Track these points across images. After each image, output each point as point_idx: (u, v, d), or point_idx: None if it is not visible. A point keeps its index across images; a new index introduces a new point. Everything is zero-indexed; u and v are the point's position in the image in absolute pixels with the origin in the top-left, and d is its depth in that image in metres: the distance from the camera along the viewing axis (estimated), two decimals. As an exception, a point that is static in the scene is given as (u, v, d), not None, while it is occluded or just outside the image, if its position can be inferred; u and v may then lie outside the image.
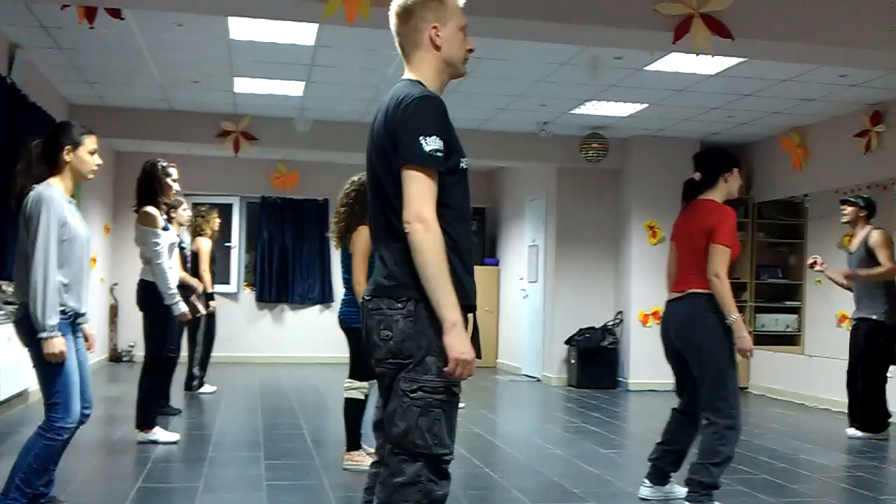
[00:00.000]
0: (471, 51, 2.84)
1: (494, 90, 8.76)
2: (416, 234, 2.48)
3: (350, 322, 5.57)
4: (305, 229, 13.50)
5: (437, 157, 2.53)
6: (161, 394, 7.28)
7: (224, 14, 6.37)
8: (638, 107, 9.46)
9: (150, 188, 6.40)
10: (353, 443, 5.76)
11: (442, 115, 2.59)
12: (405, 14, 2.76)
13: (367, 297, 2.69)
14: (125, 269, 12.48)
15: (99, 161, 4.28)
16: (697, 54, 5.76)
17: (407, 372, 2.56)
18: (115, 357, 12.55)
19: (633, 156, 11.08)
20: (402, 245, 2.56)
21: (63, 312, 4.04)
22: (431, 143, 2.52)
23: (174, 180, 6.50)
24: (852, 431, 7.48)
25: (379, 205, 2.69)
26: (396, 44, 2.81)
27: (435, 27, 2.73)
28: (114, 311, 12.50)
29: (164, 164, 6.47)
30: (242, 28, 6.99)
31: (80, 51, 7.77)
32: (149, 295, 6.46)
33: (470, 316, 2.68)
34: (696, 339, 4.66)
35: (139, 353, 12.40)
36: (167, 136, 10.57)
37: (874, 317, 7.41)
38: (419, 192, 2.50)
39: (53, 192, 4.04)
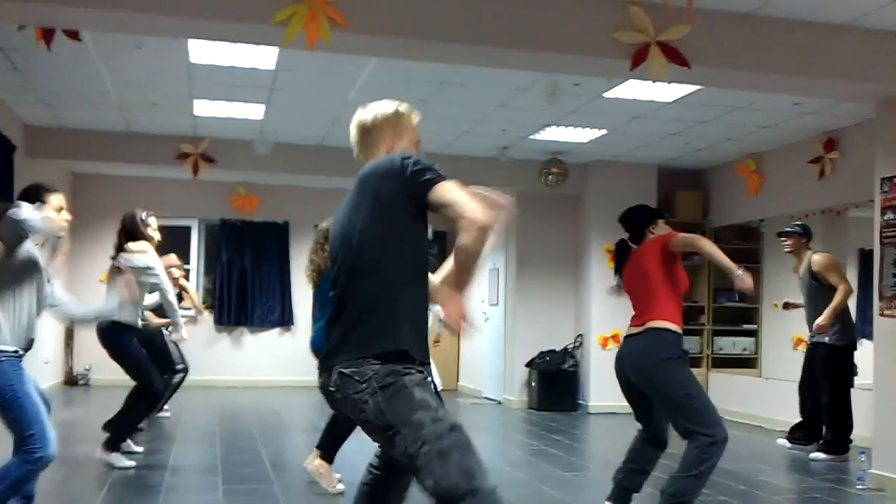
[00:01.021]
0: None
1: (455, 114, 8.80)
2: (482, 236, 2.66)
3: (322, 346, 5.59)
4: (265, 252, 13.42)
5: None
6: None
7: (184, 37, 6.36)
8: (597, 133, 9.55)
9: (131, 238, 6.54)
10: (329, 454, 5.69)
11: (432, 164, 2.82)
12: (364, 129, 3.05)
13: (335, 368, 2.79)
14: (81, 293, 12.33)
15: (67, 217, 4.40)
16: (654, 81, 5.85)
17: (403, 438, 2.64)
18: (71, 380, 12.37)
19: (592, 181, 11.17)
20: (368, 313, 2.75)
21: (14, 351, 4.09)
22: (435, 167, 2.78)
23: (154, 230, 6.70)
24: (815, 454, 7.58)
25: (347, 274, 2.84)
26: (355, 152, 3.06)
27: (393, 138, 3.02)
28: (69, 335, 12.33)
29: (144, 214, 6.65)
30: (202, 51, 6.97)
31: (37, 72, 7.70)
32: (110, 334, 6.48)
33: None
34: (652, 374, 4.71)
35: (95, 376, 12.34)
36: (126, 158, 10.48)
37: (826, 340, 7.55)
38: (465, 196, 2.69)
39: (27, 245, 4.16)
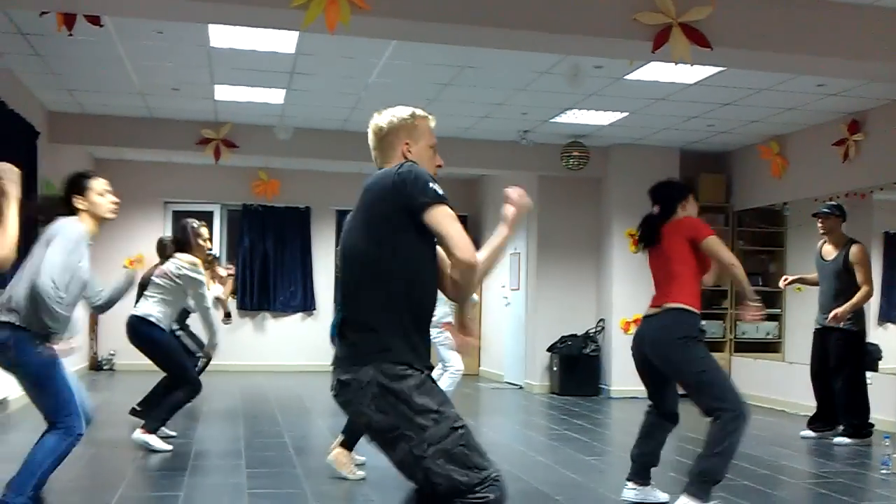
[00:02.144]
0: (439, 166, 3.10)
1: (476, 98, 8.77)
2: (471, 275, 2.80)
3: None
4: (287, 237, 13.47)
5: (447, 198, 2.80)
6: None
7: (204, 22, 6.36)
8: (618, 115, 9.50)
9: (181, 249, 6.71)
10: (350, 442, 5.72)
11: (432, 179, 2.83)
12: (381, 133, 3.07)
13: (338, 371, 2.87)
14: (105, 278, 12.40)
15: (115, 199, 4.54)
16: (676, 63, 5.80)
17: (408, 441, 2.70)
18: (96, 366, 12.48)
19: (613, 164, 11.12)
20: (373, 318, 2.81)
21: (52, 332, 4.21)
22: (438, 188, 2.79)
23: (205, 240, 6.87)
24: (838, 439, 7.53)
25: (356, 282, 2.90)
26: (373, 156, 3.11)
27: (407, 143, 3.02)
28: (94, 320, 12.42)
29: (196, 224, 6.83)
30: (223, 36, 6.97)
31: (59, 58, 7.74)
32: (143, 331, 6.58)
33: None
34: (668, 354, 4.83)
35: (119, 361, 12.44)
36: (147, 144, 10.53)
37: (842, 325, 7.49)
38: (458, 230, 2.76)
39: (80, 226, 4.34)
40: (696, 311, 4.84)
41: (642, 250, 5.21)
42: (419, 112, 3.09)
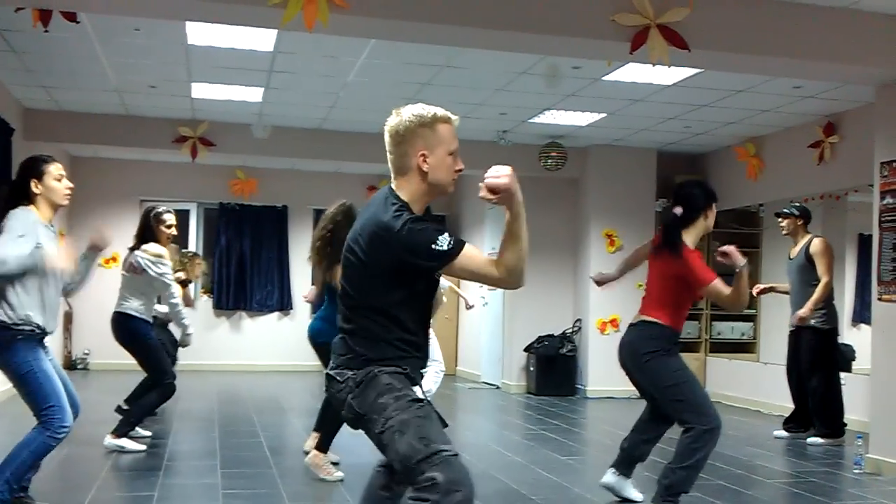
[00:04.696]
0: (460, 170, 2.96)
1: (454, 98, 8.76)
2: (517, 280, 2.80)
3: (317, 336, 5.66)
4: (264, 236, 13.41)
5: (457, 243, 2.77)
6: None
7: (182, 19, 6.32)
8: (596, 116, 9.52)
9: (147, 236, 6.61)
10: (325, 443, 5.72)
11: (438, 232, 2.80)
12: (397, 138, 2.90)
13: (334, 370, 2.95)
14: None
15: (69, 185, 4.51)
16: (654, 65, 5.82)
17: (373, 423, 2.79)
18: (70, 364, 12.37)
19: (591, 165, 11.15)
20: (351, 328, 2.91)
21: (36, 329, 4.27)
22: (444, 241, 2.76)
23: (168, 226, 6.70)
24: (812, 439, 7.59)
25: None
26: (389, 160, 2.95)
27: (423, 155, 2.87)
28: (68, 318, 12.33)
29: (160, 210, 6.71)
30: (200, 33, 6.93)
31: (35, 54, 7.66)
32: (127, 327, 6.53)
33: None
34: (639, 367, 4.84)
35: (94, 360, 12.34)
36: (124, 142, 10.44)
37: (812, 322, 7.56)
38: (482, 266, 2.79)
39: (29, 214, 4.29)
40: (665, 323, 4.78)
41: (648, 245, 5.13)
42: (441, 113, 2.92)
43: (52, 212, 4.43)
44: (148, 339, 6.58)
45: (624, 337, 5.00)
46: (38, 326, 4.30)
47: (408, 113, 2.89)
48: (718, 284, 4.62)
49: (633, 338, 4.89)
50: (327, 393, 2.98)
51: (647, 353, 4.78)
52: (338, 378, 2.88)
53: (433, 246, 2.74)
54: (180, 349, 7.72)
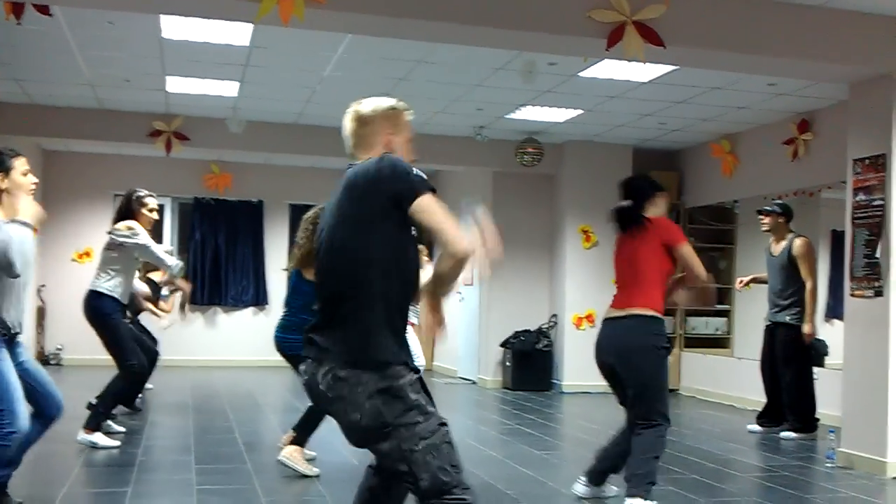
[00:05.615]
0: (413, 161, 3.02)
1: (431, 94, 8.76)
2: (463, 266, 2.81)
3: (291, 350, 5.52)
4: (240, 231, 13.35)
5: (432, 186, 2.83)
6: (125, 401, 7.22)
7: (156, 12, 6.28)
8: (572, 113, 9.54)
9: (124, 217, 6.57)
10: (302, 438, 5.70)
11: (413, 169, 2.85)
12: (363, 121, 3.04)
13: (330, 370, 2.82)
14: (53, 271, 12.23)
15: (34, 179, 4.42)
16: (630, 61, 5.84)
17: (399, 436, 2.73)
18: (43, 360, 12.26)
19: (567, 161, 11.17)
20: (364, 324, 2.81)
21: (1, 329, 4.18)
22: (423, 176, 2.82)
23: (150, 210, 6.70)
24: (785, 434, 7.65)
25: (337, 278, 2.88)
26: (350, 143, 3.06)
27: (390, 134, 3.03)
28: (41, 314, 12.22)
29: (142, 194, 6.67)
30: (175, 27, 6.88)
31: (7, 47, 7.57)
32: (97, 305, 6.46)
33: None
34: (638, 361, 4.78)
35: (67, 355, 12.25)
36: (97, 136, 10.36)
37: (787, 319, 7.62)
38: (449, 219, 2.79)
39: None
40: (663, 318, 4.85)
41: (618, 234, 5.08)
42: (400, 104, 3.10)
43: (15, 208, 4.33)
44: (114, 318, 6.48)
45: (612, 330, 4.90)
46: (3, 325, 4.21)
47: (370, 101, 3.07)
48: (691, 249, 4.79)
49: (636, 331, 4.80)
50: (330, 394, 2.80)
51: (654, 348, 4.77)
52: (352, 381, 2.76)
53: (413, 172, 2.82)
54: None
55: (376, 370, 2.77)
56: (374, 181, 2.80)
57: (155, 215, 6.79)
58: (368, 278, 2.80)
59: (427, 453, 2.72)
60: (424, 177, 2.83)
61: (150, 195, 6.76)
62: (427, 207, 2.78)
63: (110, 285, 6.45)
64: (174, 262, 6.67)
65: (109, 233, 6.58)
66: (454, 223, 2.78)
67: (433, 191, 2.83)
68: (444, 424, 2.80)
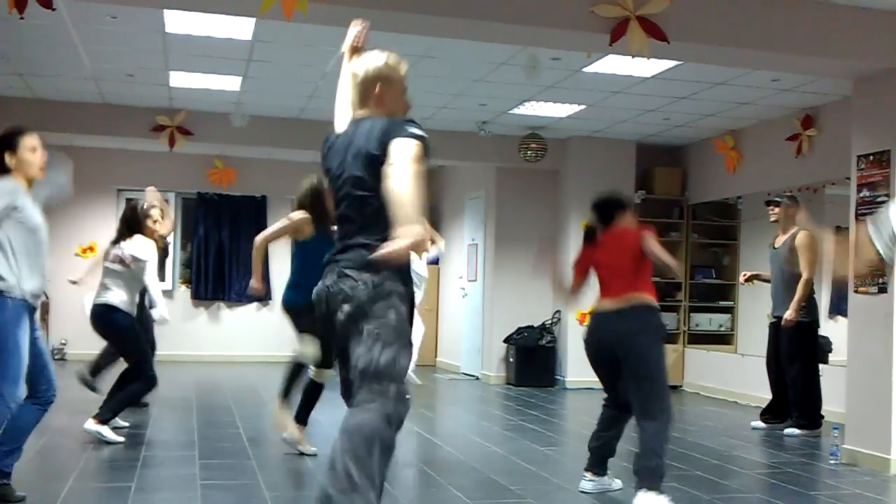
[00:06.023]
0: (407, 108, 3.52)
1: (434, 89, 8.75)
2: (403, 250, 2.98)
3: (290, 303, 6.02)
4: (243, 226, 13.33)
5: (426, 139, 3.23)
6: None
7: (159, 6, 6.26)
8: (575, 108, 9.53)
9: (131, 229, 6.64)
10: (302, 417, 5.97)
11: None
12: (357, 77, 3.46)
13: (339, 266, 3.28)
14: (57, 266, 12.21)
15: (43, 155, 4.46)
16: (633, 56, 5.83)
17: (375, 327, 3.16)
18: (46, 355, 12.28)
19: (570, 156, 11.16)
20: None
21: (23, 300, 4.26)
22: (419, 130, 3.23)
23: (155, 221, 6.88)
24: (788, 430, 7.63)
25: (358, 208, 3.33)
26: (351, 98, 3.49)
27: (383, 89, 3.42)
28: (45, 308, 12.22)
29: (145, 205, 6.79)
30: (178, 21, 6.88)
31: (10, 41, 7.57)
32: (110, 319, 6.51)
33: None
34: (645, 352, 4.82)
35: (71, 350, 12.26)
36: (100, 131, 10.35)
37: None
38: (411, 199, 3.03)
39: (9, 183, 4.26)
40: (658, 306, 4.98)
41: (599, 230, 5.26)
42: (392, 59, 3.47)
43: (26, 185, 4.37)
44: (132, 332, 6.57)
45: (615, 322, 4.94)
46: (27, 293, 4.29)
47: (364, 58, 3.49)
48: (656, 241, 4.94)
49: (643, 322, 4.87)
50: (332, 289, 3.24)
51: (659, 338, 4.88)
52: (353, 277, 3.19)
53: (411, 126, 3.24)
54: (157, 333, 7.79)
55: (377, 273, 3.20)
56: (378, 136, 3.23)
57: (158, 226, 6.95)
58: (375, 210, 3.25)
59: (383, 343, 3.16)
60: (425, 134, 3.21)
61: (154, 206, 6.91)
62: (402, 173, 3.12)
63: (122, 299, 6.48)
64: (163, 313, 7.15)
65: (116, 242, 6.62)
66: (415, 207, 3.04)
67: (422, 140, 3.24)
68: (410, 343, 3.29)
